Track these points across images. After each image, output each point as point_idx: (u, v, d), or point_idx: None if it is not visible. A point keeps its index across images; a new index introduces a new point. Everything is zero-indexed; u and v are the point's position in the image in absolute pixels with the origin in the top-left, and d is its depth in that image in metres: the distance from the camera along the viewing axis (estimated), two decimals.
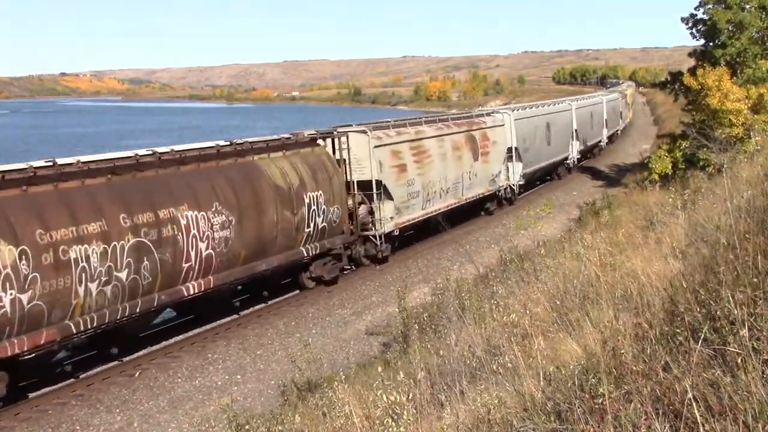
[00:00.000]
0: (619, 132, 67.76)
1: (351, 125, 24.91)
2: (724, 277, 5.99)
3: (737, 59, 29.06)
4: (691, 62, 33.13)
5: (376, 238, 24.14)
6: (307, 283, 21.88)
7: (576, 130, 45.85)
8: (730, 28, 29.13)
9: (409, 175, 25.71)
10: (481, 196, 31.61)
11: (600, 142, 55.88)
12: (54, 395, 15.21)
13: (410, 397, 7.16)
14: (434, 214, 27.23)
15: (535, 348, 7.33)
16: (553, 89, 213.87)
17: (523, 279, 12.10)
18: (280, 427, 9.14)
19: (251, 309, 20.61)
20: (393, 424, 6.59)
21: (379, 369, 9.56)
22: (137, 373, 16.36)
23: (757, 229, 6.85)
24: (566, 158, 44.82)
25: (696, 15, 31.07)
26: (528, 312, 8.84)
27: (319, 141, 22.77)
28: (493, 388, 6.74)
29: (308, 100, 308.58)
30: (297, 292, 22.03)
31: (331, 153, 22.85)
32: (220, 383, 15.90)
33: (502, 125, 33.89)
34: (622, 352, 5.70)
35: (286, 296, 21.79)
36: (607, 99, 61.50)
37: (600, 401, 5.02)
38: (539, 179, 41.90)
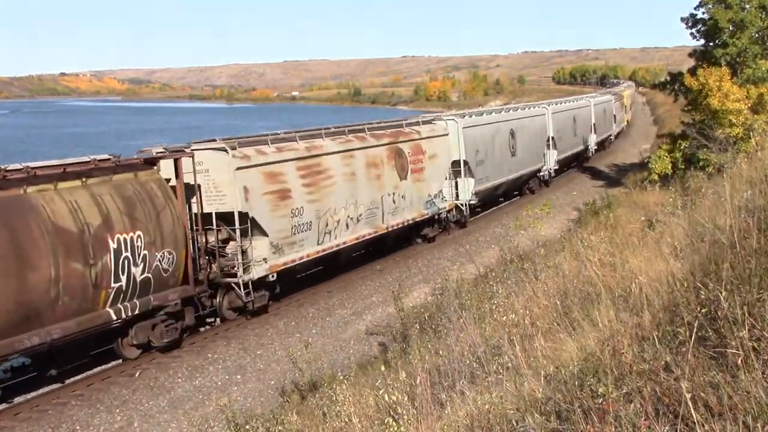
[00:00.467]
0: (612, 137, 63.10)
1: (215, 140, 19.84)
2: (724, 277, 5.98)
3: (737, 59, 29.06)
4: (691, 62, 33.12)
5: (240, 287, 18.71)
6: (127, 353, 16.75)
7: (552, 138, 40.81)
8: (730, 28, 29.12)
9: (294, 202, 20.13)
10: (412, 221, 26.30)
11: (587, 149, 50.63)
12: (54, 395, 15.22)
13: (410, 397, 7.15)
14: (337, 249, 22.24)
15: (535, 348, 7.33)
16: (553, 89, 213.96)
17: (523, 279, 12.10)
18: (279, 428, 9.14)
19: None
20: (393, 423, 6.59)
21: (381, 369, 9.56)
22: (137, 373, 16.36)
23: (757, 229, 6.84)
24: (539, 170, 39.88)
25: (696, 15, 31.08)
26: (528, 312, 8.84)
27: (163, 161, 17.54)
28: (493, 388, 6.74)
29: (308, 100, 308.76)
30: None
31: (170, 177, 17.57)
32: (220, 383, 15.90)
33: (446, 135, 28.90)
34: (622, 352, 5.70)
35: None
36: (596, 101, 55.80)
37: (600, 401, 5.02)
38: (504, 195, 36.87)
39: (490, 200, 34.45)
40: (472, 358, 8.07)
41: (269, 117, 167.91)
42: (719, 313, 5.43)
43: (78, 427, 14.03)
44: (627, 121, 79.76)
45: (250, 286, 18.90)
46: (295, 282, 21.95)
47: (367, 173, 23.67)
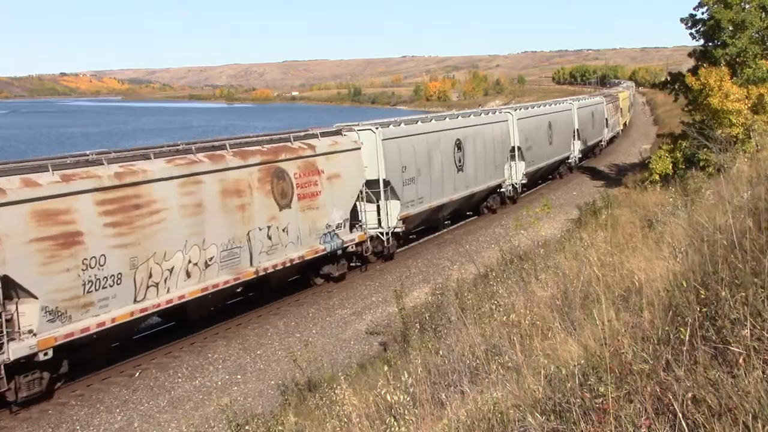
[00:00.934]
0: (603, 143, 57.87)
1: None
2: (724, 277, 5.99)
3: (737, 59, 29.06)
4: (691, 62, 33.13)
5: None
6: None
7: (518, 148, 35.82)
8: (730, 28, 29.13)
9: (88, 249, 14.85)
10: (300, 260, 20.76)
11: (568, 158, 45.49)
12: (54, 395, 15.21)
13: (411, 397, 7.16)
14: (172, 305, 16.91)
15: (535, 348, 7.34)
16: (554, 89, 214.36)
17: (523, 279, 12.10)
18: (280, 428, 9.15)
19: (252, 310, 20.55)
20: (394, 423, 6.59)
21: (385, 369, 9.55)
22: (137, 373, 16.37)
23: (756, 229, 6.85)
24: (499, 186, 34.61)
25: (695, 15, 31.09)
26: (528, 312, 8.84)
27: None
28: (494, 387, 6.74)
29: (308, 100, 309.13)
30: None
31: None
32: (220, 383, 15.91)
33: (356, 149, 23.57)
34: (623, 351, 5.70)
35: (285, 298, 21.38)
36: (581, 105, 49.98)
37: (600, 401, 5.03)
38: (451, 218, 31.59)
39: (432, 224, 29.84)
40: (472, 357, 8.08)
41: (269, 117, 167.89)
42: (719, 313, 5.44)
43: (78, 427, 14.03)
44: (625, 124, 76.71)
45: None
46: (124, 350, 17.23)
47: (224, 204, 18.25)
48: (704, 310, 5.65)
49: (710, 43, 30.79)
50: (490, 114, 35.49)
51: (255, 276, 19.13)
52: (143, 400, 15.11)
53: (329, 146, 22.47)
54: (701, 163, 25.11)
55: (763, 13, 29.68)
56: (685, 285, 6.41)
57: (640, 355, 5.52)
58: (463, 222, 32.33)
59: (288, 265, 20.35)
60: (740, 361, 4.76)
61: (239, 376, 16.30)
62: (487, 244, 27.37)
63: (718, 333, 5.28)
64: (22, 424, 14.04)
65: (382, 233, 24.72)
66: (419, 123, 28.41)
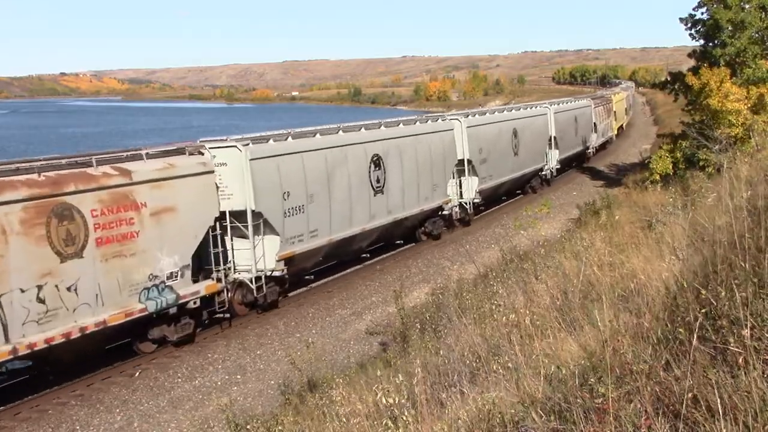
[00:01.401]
0: (591, 150, 51.46)
1: None
2: (724, 277, 5.99)
3: (737, 59, 29.05)
4: (691, 62, 33.13)
5: None
6: None
7: (468, 161, 29.81)
8: (729, 28, 29.12)
9: None
10: (101, 326, 15.40)
11: (542, 170, 40.22)
12: (54, 395, 15.21)
13: (410, 397, 7.16)
14: None
15: (535, 348, 7.34)
16: (554, 89, 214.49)
17: (523, 279, 12.11)
18: (279, 428, 9.15)
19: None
20: (393, 424, 6.59)
21: (384, 369, 9.57)
22: (137, 373, 16.37)
23: (757, 229, 6.84)
24: (440, 208, 28.53)
25: (695, 15, 31.08)
26: (528, 312, 8.84)
27: None
28: (494, 387, 6.73)
29: (308, 100, 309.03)
30: None
31: None
32: (219, 383, 15.91)
33: (207, 173, 18.40)
34: (623, 351, 5.70)
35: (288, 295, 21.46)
36: (559, 109, 43.65)
37: (600, 401, 5.02)
38: (369, 248, 25.74)
39: (347, 258, 24.51)
40: (472, 357, 8.08)
41: (269, 116, 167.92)
42: (719, 313, 5.44)
43: (78, 427, 14.04)
44: (622, 127, 72.58)
45: None
46: None
47: None
48: (704, 310, 5.65)
49: (710, 43, 30.79)
50: (429, 123, 29.32)
51: (13, 356, 13.89)
52: (143, 400, 15.11)
53: (158, 171, 16.96)
54: (701, 163, 25.11)
55: (763, 13, 29.68)
56: (685, 285, 6.41)
57: (640, 355, 5.52)
58: (387, 254, 26.55)
59: (78, 335, 14.83)
60: (740, 361, 4.76)
61: (239, 376, 16.30)
62: (487, 244, 27.37)
63: (717, 333, 5.28)
64: (22, 424, 14.04)
65: (250, 280, 19.45)
66: (317, 136, 22.33)
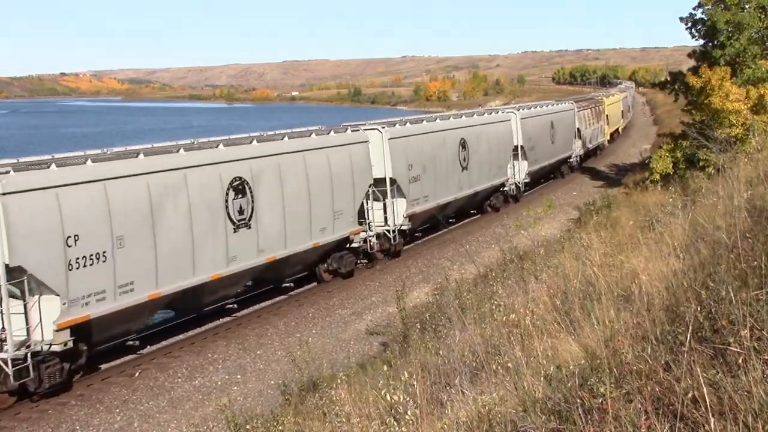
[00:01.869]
0: (574, 159, 46.80)
1: None
2: (724, 277, 5.99)
3: (736, 59, 29.06)
4: (691, 62, 33.14)
5: None
6: None
7: (392, 180, 24.99)
8: (729, 29, 29.13)
9: None
10: None
11: (503, 186, 35.06)
12: (54, 395, 15.21)
13: (411, 397, 7.16)
14: None
15: (535, 348, 7.33)
16: (553, 89, 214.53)
17: (523, 279, 12.11)
18: (279, 428, 9.15)
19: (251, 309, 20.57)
20: (394, 423, 6.59)
21: (384, 368, 9.56)
22: (137, 373, 16.37)
23: (757, 229, 6.85)
24: (348, 240, 23.44)
25: (695, 15, 31.09)
26: (528, 312, 8.84)
27: None
28: (494, 387, 6.74)
29: (308, 100, 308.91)
30: None
31: None
32: (219, 383, 15.91)
33: None
34: (623, 351, 5.70)
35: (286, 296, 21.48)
36: (527, 114, 38.31)
37: (600, 401, 5.03)
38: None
39: (206, 312, 19.65)
40: (472, 357, 8.08)
41: (269, 116, 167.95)
42: (719, 313, 5.44)
43: (78, 427, 14.03)
44: (617, 131, 67.62)
45: None
46: None
47: None
48: (704, 310, 5.65)
49: (710, 44, 30.81)
50: (337, 135, 23.76)
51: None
52: (143, 400, 15.11)
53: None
54: (701, 163, 25.12)
55: (763, 14, 29.68)
56: (685, 285, 6.42)
57: (639, 355, 5.52)
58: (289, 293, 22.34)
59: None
60: (740, 361, 4.77)
61: (239, 376, 16.30)
62: (487, 244, 27.38)
63: (717, 333, 5.29)
64: (22, 424, 14.05)
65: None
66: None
